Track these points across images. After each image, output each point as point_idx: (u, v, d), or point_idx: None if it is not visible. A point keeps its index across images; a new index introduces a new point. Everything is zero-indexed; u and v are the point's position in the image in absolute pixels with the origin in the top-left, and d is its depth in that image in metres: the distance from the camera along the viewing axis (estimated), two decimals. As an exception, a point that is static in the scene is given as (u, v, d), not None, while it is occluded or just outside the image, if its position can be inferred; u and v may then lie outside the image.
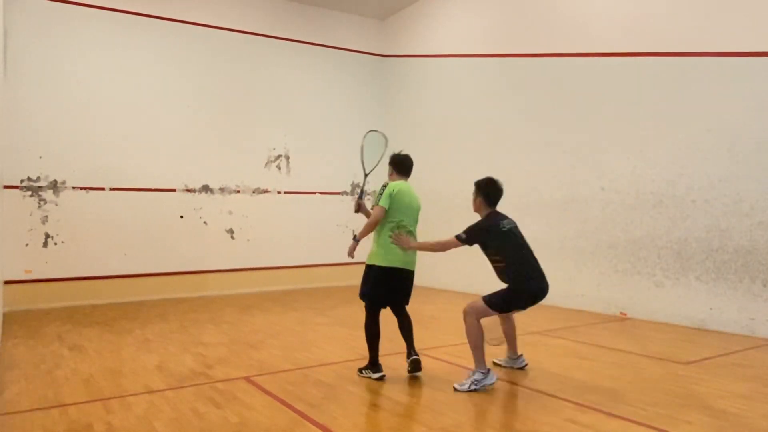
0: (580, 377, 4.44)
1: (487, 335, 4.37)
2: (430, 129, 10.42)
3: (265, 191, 10.17)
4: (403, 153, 4.84)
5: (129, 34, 8.93)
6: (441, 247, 4.31)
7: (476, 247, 4.39)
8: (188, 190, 9.39)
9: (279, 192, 10.32)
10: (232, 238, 9.76)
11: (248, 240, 9.89)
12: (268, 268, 10.08)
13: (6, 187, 7.79)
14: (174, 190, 9.26)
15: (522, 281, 4.20)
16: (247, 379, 4.44)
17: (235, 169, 9.85)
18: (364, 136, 5.22)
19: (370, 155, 5.13)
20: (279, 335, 6.15)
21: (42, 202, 8.20)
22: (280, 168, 10.36)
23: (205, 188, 9.56)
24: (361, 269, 4.61)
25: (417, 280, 4.77)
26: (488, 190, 4.37)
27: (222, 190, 9.71)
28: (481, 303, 4.14)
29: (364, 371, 4.50)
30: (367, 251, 4.60)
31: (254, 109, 10.13)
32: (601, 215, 7.46)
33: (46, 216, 8.21)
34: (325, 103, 10.90)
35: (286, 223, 10.30)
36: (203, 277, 9.43)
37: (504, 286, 4.28)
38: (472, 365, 4.24)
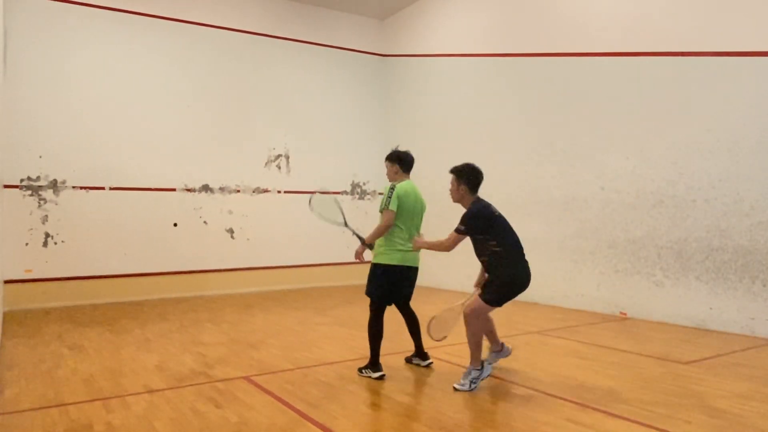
0: (580, 377, 4.44)
1: (434, 334, 4.40)
2: (430, 128, 10.42)
3: (265, 191, 10.17)
4: (402, 149, 4.83)
5: (129, 34, 8.93)
6: (445, 247, 4.16)
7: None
8: (188, 190, 9.39)
9: (279, 192, 10.32)
10: (232, 237, 9.76)
11: (248, 240, 9.89)
12: (268, 267, 10.08)
13: (6, 186, 7.80)
14: (174, 190, 9.26)
15: (517, 265, 4.13)
16: (247, 378, 4.44)
17: (235, 169, 9.86)
18: (311, 206, 5.31)
19: (331, 212, 5.15)
20: (279, 335, 6.15)
21: (42, 202, 8.20)
22: (280, 168, 10.36)
23: (205, 188, 9.56)
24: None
25: (416, 280, 4.78)
26: (471, 176, 4.25)
27: (222, 189, 9.72)
28: (480, 303, 4.08)
29: (364, 370, 4.50)
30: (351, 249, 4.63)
31: (254, 108, 10.13)
32: (601, 215, 7.46)
33: (46, 215, 8.22)
34: (325, 103, 10.90)
35: (286, 222, 10.30)
36: (203, 276, 9.43)
37: (494, 279, 4.20)
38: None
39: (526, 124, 8.58)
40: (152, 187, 9.05)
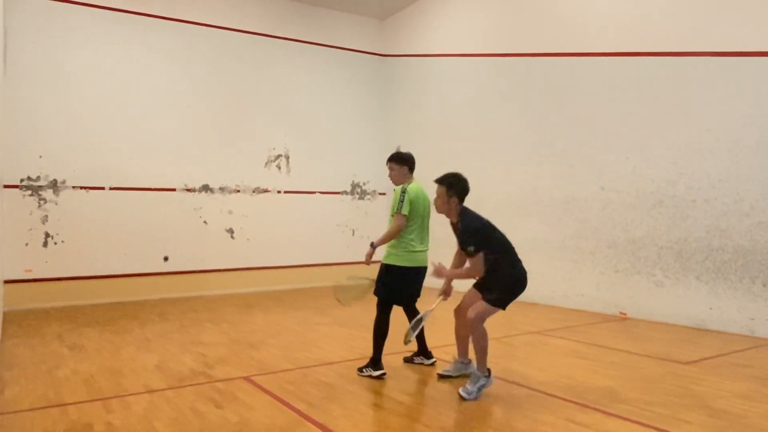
0: (580, 377, 4.44)
1: (407, 336, 4.33)
2: (429, 129, 10.43)
3: (265, 191, 10.17)
4: (403, 150, 4.85)
5: (129, 34, 8.93)
6: (477, 271, 4.02)
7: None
8: (188, 190, 9.39)
9: (279, 192, 10.32)
10: (232, 237, 9.76)
11: (248, 240, 9.89)
12: (268, 267, 10.08)
13: (6, 186, 7.79)
14: (174, 190, 9.26)
15: (516, 265, 4.11)
16: (247, 378, 4.44)
17: (235, 169, 9.86)
18: (341, 301, 4.86)
19: (354, 290, 4.79)
20: (279, 335, 6.15)
21: (42, 202, 8.20)
22: (280, 168, 10.36)
23: (205, 188, 9.56)
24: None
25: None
26: (462, 187, 4.11)
27: (222, 189, 9.71)
28: (485, 306, 3.99)
29: (364, 369, 4.51)
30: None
31: (254, 108, 10.13)
32: (601, 215, 7.46)
33: (46, 215, 8.21)
34: (325, 103, 10.90)
35: (286, 222, 10.30)
36: (203, 276, 9.43)
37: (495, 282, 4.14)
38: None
39: (526, 124, 8.58)
40: (152, 187, 9.05)
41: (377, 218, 11.38)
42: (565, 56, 7.99)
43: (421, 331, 4.73)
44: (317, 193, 10.75)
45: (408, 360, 4.90)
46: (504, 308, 4.04)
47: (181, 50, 9.42)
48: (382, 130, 11.56)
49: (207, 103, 9.62)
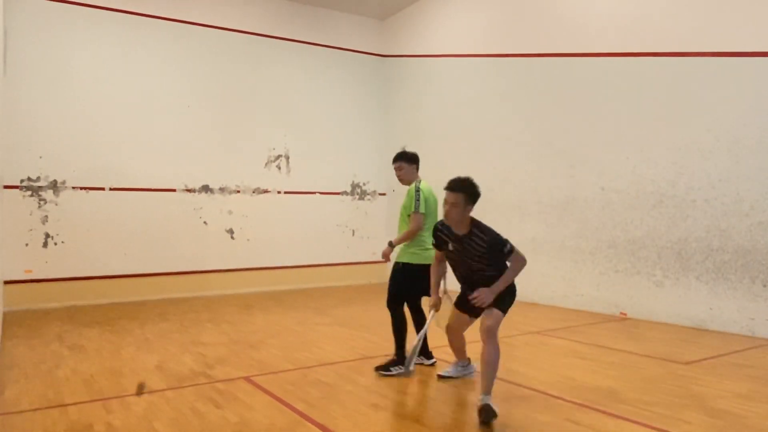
0: (580, 377, 4.44)
1: (409, 365, 4.21)
2: (429, 129, 10.42)
3: (265, 191, 10.17)
4: (408, 149, 4.88)
5: (129, 34, 8.93)
6: (523, 265, 3.71)
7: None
8: (188, 190, 9.39)
9: (279, 192, 10.32)
10: (232, 238, 9.76)
11: (248, 240, 9.89)
12: (268, 268, 10.08)
13: (6, 187, 7.80)
14: (174, 190, 9.26)
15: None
16: (247, 379, 4.44)
17: (235, 169, 9.86)
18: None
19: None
20: (279, 335, 6.15)
21: (42, 202, 8.20)
22: (280, 168, 10.36)
23: (205, 188, 9.56)
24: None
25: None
26: (478, 195, 3.71)
27: (222, 190, 9.72)
28: (500, 314, 3.66)
29: (393, 368, 4.49)
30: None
31: (254, 108, 10.13)
32: (601, 215, 7.46)
33: (46, 216, 8.22)
34: (325, 103, 10.90)
35: (286, 223, 10.30)
36: (203, 277, 9.43)
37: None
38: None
39: (526, 124, 8.58)
40: (152, 187, 9.05)
41: (377, 218, 11.38)
42: (565, 56, 7.99)
43: (398, 330, 4.70)
44: (317, 194, 10.75)
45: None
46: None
47: (181, 50, 9.42)
48: (382, 130, 11.57)
49: (207, 104, 9.62)
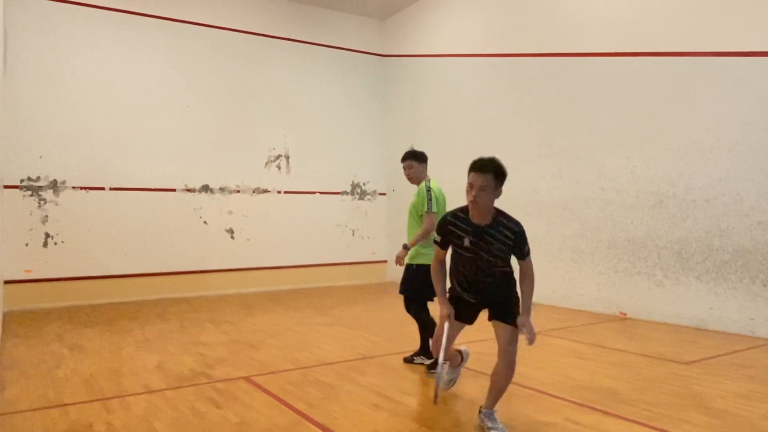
0: (580, 377, 4.44)
1: (444, 384, 3.83)
2: (430, 129, 10.42)
3: (265, 191, 10.17)
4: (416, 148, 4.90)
5: (129, 34, 8.94)
6: (533, 283, 3.37)
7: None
8: (188, 190, 9.39)
9: (279, 192, 10.32)
10: (232, 237, 9.76)
11: (248, 240, 9.89)
12: (268, 267, 10.08)
13: (6, 186, 7.80)
14: (174, 190, 9.27)
15: None
16: (247, 379, 4.44)
17: (235, 169, 9.86)
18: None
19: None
20: (279, 335, 6.15)
21: (42, 202, 8.20)
22: (280, 168, 10.36)
23: (205, 188, 9.56)
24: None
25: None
26: (506, 174, 3.21)
27: (222, 190, 9.72)
28: (517, 333, 3.31)
29: (438, 367, 4.53)
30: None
31: (254, 108, 10.13)
32: (601, 215, 7.46)
33: (46, 216, 8.22)
34: (325, 103, 10.90)
35: (286, 223, 10.30)
36: (203, 276, 9.43)
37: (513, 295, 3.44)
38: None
39: (526, 124, 8.58)
40: (152, 187, 9.05)
41: (377, 218, 11.38)
42: (565, 56, 7.99)
43: (426, 329, 4.72)
44: (317, 193, 10.75)
45: (408, 360, 4.90)
46: None
47: (181, 50, 9.42)
48: (382, 130, 11.57)
49: (207, 103, 9.63)
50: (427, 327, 4.67)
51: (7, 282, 7.70)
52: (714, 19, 6.34)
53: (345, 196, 11.08)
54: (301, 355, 5.23)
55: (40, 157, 8.20)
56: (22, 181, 8.08)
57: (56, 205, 8.29)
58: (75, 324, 6.81)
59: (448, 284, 3.56)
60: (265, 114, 10.23)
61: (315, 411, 3.67)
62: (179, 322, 6.96)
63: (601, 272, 7.47)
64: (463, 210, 3.27)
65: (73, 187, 8.43)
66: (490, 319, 3.36)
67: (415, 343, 4.98)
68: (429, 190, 4.51)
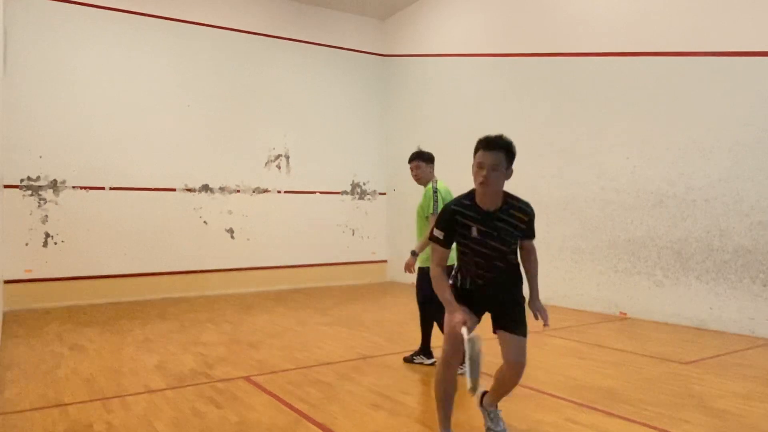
0: (580, 377, 4.44)
1: (472, 383, 2.83)
2: (430, 129, 10.42)
3: (265, 191, 10.17)
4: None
5: (129, 34, 8.94)
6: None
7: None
8: (188, 190, 9.39)
9: (279, 192, 10.32)
10: (232, 237, 9.76)
11: (248, 240, 9.89)
12: (268, 267, 10.08)
13: (6, 186, 7.80)
14: (174, 190, 9.26)
15: None
16: (247, 378, 4.44)
17: (235, 169, 9.86)
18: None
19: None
20: (279, 335, 6.15)
21: (42, 202, 8.20)
22: (280, 168, 10.36)
23: (205, 188, 9.56)
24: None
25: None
26: (515, 153, 3.00)
27: (222, 189, 9.72)
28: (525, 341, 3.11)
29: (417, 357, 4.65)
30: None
31: (254, 108, 10.13)
32: (601, 215, 7.46)
33: (46, 215, 8.22)
34: (325, 103, 10.90)
35: (286, 222, 10.30)
36: (203, 276, 9.43)
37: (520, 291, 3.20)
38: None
39: (525, 123, 8.58)
40: (152, 187, 9.05)
41: (377, 218, 11.38)
42: (565, 56, 7.99)
43: (428, 327, 4.71)
44: (317, 193, 10.75)
45: (408, 360, 4.90)
46: None
47: (181, 50, 9.42)
48: (382, 130, 11.56)
49: (207, 103, 9.63)
50: (435, 326, 4.62)
51: (7, 282, 7.70)
52: (714, 19, 6.34)
53: (345, 196, 11.07)
54: (301, 355, 5.23)
55: (40, 157, 8.20)
56: (22, 180, 8.08)
57: (56, 204, 8.29)
58: (75, 324, 6.81)
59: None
60: (265, 114, 10.23)
61: (315, 411, 3.67)
62: (179, 322, 6.96)
63: (601, 272, 7.47)
64: (468, 196, 2.94)
65: (73, 187, 8.43)
66: (496, 329, 3.05)
67: (415, 343, 4.98)
68: (436, 191, 4.48)
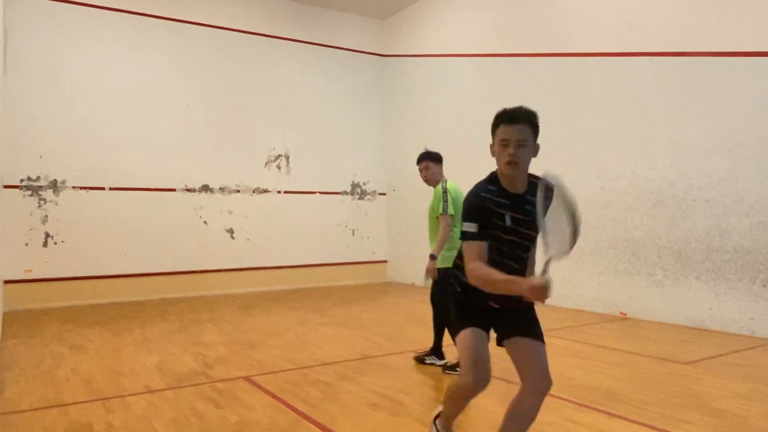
0: (580, 377, 4.44)
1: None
2: (430, 129, 10.42)
3: (265, 191, 10.17)
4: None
5: (129, 34, 8.94)
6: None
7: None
8: (188, 190, 9.39)
9: (279, 192, 10.32)
10: (232, 237, 9.76)
11: (248, 240, 9.89)
12: (268, 267, 10.08)
13: (6, 186, 7.80)
14: (174, 190, 9.26)
15: None
16: (247, 379, 4.44)
17: (235, 169, 9.86)
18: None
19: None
20: (279, 335, 6.15)
21: (42, 202, 8.20)
22: (280, 168, 10.36)
23: (205, 188, 9.56)
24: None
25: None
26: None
27: (222, 189, 9.72)
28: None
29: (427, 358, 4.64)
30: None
31: (254, 108, 10.13)
32: (601, 215, 7.46)
33: (46, 215, 8.22)
34: (325, 103, 10.90)
35: (286, 222, 10.30)
36: (203, 276, 9.43)
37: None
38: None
39: (526, 124, 8.57)
40: (152, 187, 9.05)
41: (377, 218, 11.38)
42: (566, 56, 7.99)
43: (441, 328, 4.67)
44: (317, 193, 10.75)
45: (420, 360, 4.83)
46: None
47: (181, 50, 9.42)
48: (383, 130, 11.56)
49: (207, 103, 9.63)
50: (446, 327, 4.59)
51: (7, 282, 7.70)
52: (714, 19, 6.34)
53: (345, 196, 11.07)
54: (301, 355, 5.23)
55: (40, 157, 8.20)
56: (22, 180, 8.08)
57: (56, 205, 8.29)
58: (75, 324, 6.81)
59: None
60: (265, 114, 10.23)
61: (315, 411, 3.67)
62: (179, 322, 6.96)
63: (601, 272, 7.47)
64: (491, 181, 2.57)
65: (73, 187, 8.43)
66: (504, 339, 2.61)
67: (415, 343, 4.97)
68: (446, 191, 4.46)
